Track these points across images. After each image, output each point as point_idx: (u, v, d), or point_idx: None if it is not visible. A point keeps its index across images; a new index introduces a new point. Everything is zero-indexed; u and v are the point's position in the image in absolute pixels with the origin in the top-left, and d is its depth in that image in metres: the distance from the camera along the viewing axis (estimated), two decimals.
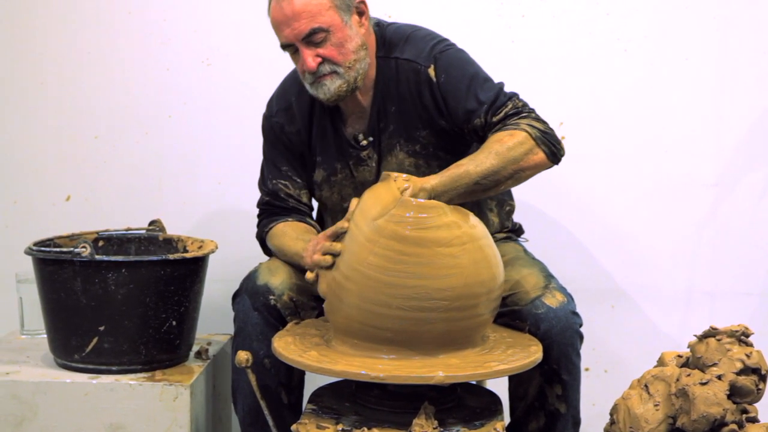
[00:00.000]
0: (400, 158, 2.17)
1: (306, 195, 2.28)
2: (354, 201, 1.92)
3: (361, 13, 2.10)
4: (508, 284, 2.09)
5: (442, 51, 2.13)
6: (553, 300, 2.04)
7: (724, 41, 2.73)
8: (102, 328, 2.18)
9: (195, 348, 2.39)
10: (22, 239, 2.36)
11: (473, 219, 1.90)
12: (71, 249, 2.15)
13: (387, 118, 2.16)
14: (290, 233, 2.18)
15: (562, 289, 2.09)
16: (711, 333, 1.77)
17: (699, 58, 2.74)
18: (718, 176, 2.77)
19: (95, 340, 2.19)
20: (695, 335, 1.81)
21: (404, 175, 1.91)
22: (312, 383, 2.21)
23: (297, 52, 2.06)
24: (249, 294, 2.11)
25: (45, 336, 2.31)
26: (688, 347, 1.82)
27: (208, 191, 2.83)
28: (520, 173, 1.98)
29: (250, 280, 2.13)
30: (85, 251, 2.13)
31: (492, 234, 2.02)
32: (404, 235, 1.78)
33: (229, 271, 2.47)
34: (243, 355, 1.89)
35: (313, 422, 1.86)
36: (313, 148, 2.23)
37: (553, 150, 2.00)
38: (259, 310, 2.09)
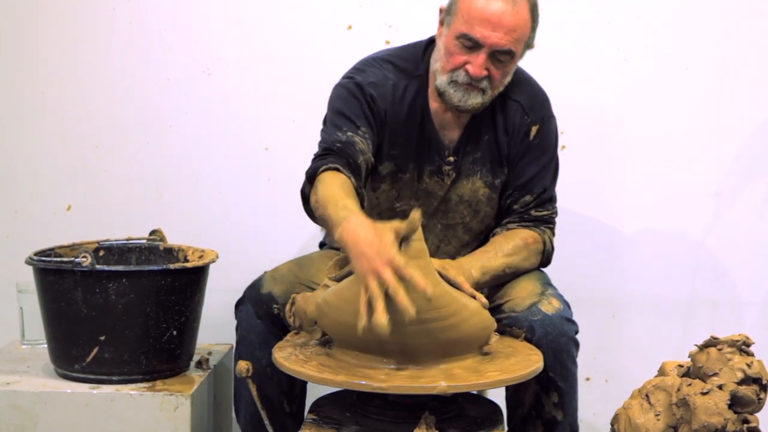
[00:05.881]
0: (477, 186, 2.19)
1: (367, 164, 2.08)
2: (416, 213, 1.70)
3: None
4: (505, 290, 2.12)
5: (549, 117, 2.22)
6: (549, 307, 2.05)
7: (724, 51, 2.73)
8: (102, 338, 2.18)
9: (195, 358, 2.38)
10: (23, 249, 2.36)
11: None
12: (72, 259, 2.15)
13: (478, 144, 2.17)
14: (338, 192, 1.91)
15: (559, 297, 2.09)
16: (712, 342, 1.77)
17: (699, 68, 2.74)
18: (719, 185, 2.77)
19: (96, 350, 2.18)
20: (696, 345, 1.81)
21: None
22: (314, 392, 2.20)
23: (471, 49, 2.01)
24: (252, 302, 2.11)
25: (45, 346, 2.31)
26: (689, 357, 1.82)
27: (209, 201, 2.83)
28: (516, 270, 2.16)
29: (254, 288, 2.13)
30: (86, 261, 2.13)
31: None
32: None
33: (229, 281, 2.47)
34: (243, 365, 1.88)
35: None
36: (388, 137, 2.15)
37: (542, 264, 2.22)
38: (263, 319, 2.09)
